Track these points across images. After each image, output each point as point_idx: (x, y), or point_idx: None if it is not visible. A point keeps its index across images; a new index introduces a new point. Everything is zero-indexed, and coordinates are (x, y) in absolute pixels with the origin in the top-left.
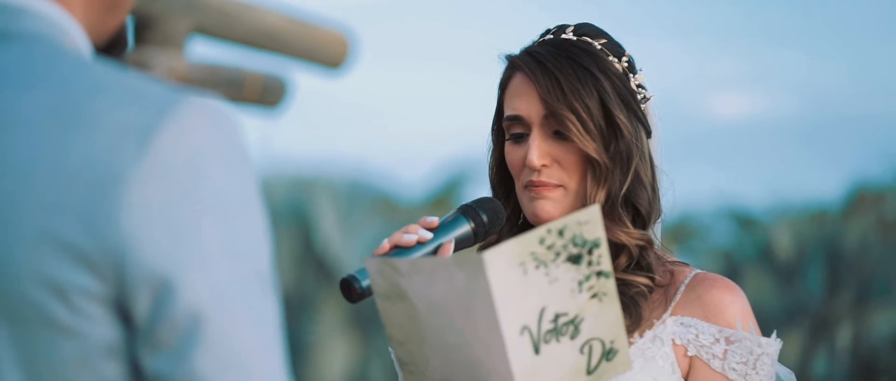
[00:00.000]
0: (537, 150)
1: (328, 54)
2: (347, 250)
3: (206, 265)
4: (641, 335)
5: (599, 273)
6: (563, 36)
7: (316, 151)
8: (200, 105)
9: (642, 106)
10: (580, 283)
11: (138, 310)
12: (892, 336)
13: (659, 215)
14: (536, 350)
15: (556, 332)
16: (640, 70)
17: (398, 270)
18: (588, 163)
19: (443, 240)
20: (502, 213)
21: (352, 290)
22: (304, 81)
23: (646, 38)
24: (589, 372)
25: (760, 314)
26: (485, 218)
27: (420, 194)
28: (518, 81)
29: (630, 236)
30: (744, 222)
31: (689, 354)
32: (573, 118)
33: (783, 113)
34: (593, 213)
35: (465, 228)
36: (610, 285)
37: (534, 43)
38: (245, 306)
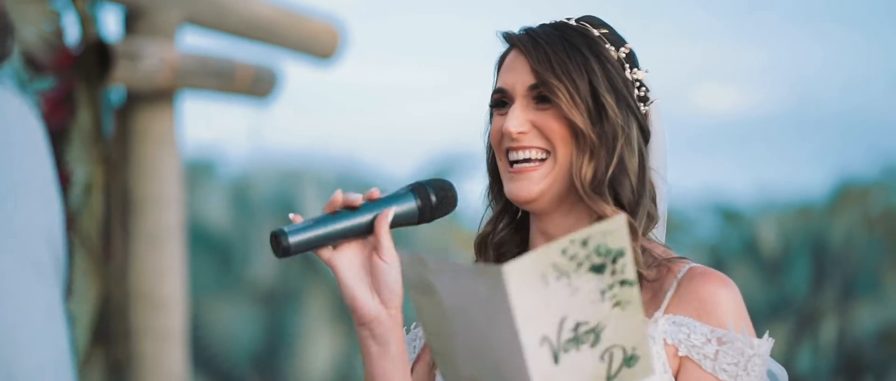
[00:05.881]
0: (516, 117)
1: (318, 45)
2: None
3: None
4: None
5: (623, 282)
6: (563, 20)
7: (304, 142)
8: None
9: (643, 107)
10: (603, 292)
11: None
12: (876, 331)
13: (656, 221)
14: (556, 360)
15: (576, 340)
16: (646, 71)
17: (426, 265)
18: (573, 134)
19: (382, 208)
20: (454, 197)
21: (278, 244)
22: (295, 72)
23: (633, 29)
24: (609, 378)
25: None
26: (433, 198)
27: None
28: (511, 56)
29: (614, 212)
30: (729, 216)
31: (680, 354)
32: (561, 86)
33: (770, 108)
34: (619, 222)
35: (411, 204)
36: (634, 293)
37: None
38: (11, 294)
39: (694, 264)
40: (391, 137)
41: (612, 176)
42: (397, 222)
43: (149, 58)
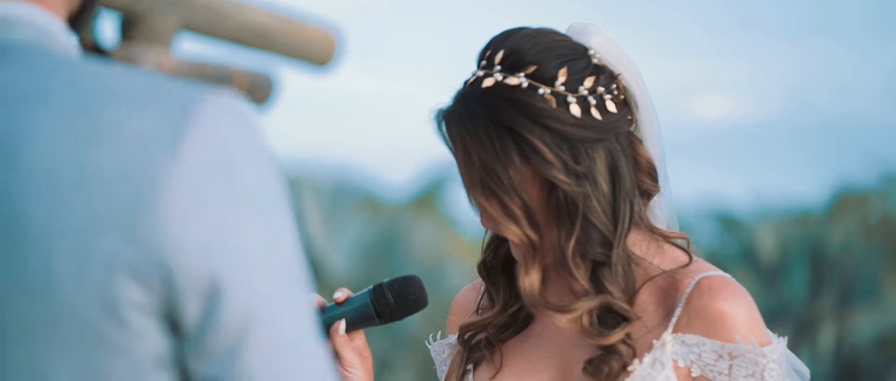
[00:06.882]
0: (478, 211)
1: (315, 52)
2: (331, 249)
3: (251, 267)
4: (640, 361)
5: None
6: (486, 81)
7: (301, 149)
8: (223, 102)
9: (610, 98)
10: None
11: (187, 318)
12: (874, 338)
13: (654, 194)
14: None
15: None
16: (593, 53)
17: None
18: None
19: (343, 312)
20: (417, 296)
21: None
22: (292, 78)
23: (630, 38)
24: None
25: None
26: (391, 299)
27: (404, 193)
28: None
29: (584, 287)
30: (727, 223)
31: (694, 374)
32: (492, 204)
33: (767, 115)
34: None
35: (367, 303)
36: None
37: (461, 88)
38: (289, 305)
39: (701, 276)
40: (389, 143)
41: (577, 243)
42: (357, 326)
43: (145, 64)
